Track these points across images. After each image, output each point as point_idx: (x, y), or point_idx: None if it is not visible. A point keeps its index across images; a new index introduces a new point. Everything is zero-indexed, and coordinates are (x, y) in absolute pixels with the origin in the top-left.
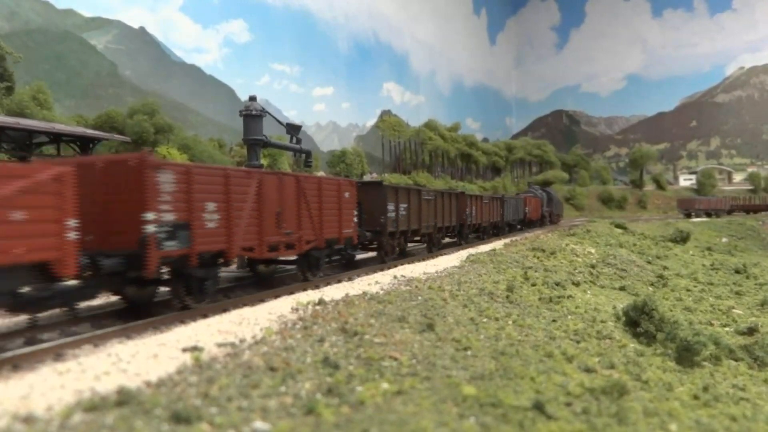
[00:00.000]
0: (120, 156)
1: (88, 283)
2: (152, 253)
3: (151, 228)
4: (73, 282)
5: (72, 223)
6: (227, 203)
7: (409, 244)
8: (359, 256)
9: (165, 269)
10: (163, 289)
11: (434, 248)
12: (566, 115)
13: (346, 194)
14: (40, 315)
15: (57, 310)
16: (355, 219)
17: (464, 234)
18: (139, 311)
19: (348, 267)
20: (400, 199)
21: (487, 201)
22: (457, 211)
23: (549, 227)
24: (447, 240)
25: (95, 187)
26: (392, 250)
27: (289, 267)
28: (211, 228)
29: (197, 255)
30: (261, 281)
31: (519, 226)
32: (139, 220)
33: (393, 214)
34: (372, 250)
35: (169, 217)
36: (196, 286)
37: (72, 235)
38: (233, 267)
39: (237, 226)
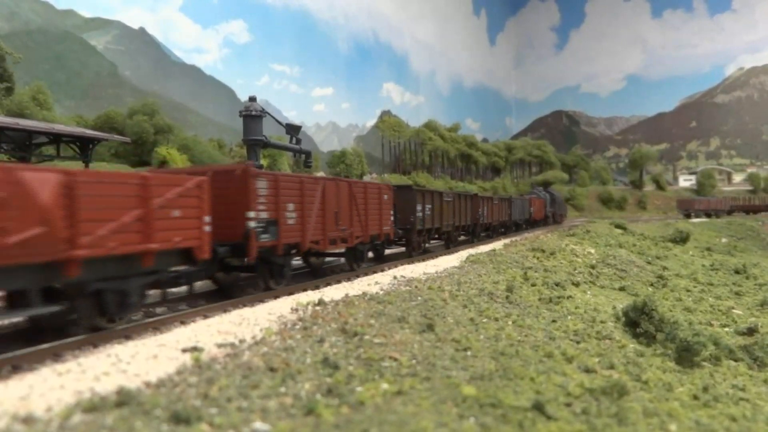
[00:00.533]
0: (228, 166)
1: (201, 267)
2: (253, 244)
3: (252, 224)
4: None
5: (207, 219)
6: (302, 204)
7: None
8: (387, 251)
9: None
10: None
11: (451, 245)
12: (566, 116)
13: (385, 197)
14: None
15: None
16: (392, 218)
17: (477, 232)
18: (228, 292)
19: (378, 260)
20: (426, 201)
21: (497, 202)
22: (471, 211)
23: (551, 227)
24: (462, 238)
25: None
26: (419, 246)
27: (330, 259)
28: (290, 224)
29: (282, 246)
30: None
31: (524, 225)
32: (244, 217)
33: (420, 214)
34: (401, 245)
35: (264, 215)
36: (278, 271)
37: (207, 228)
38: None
39: (308, 223)
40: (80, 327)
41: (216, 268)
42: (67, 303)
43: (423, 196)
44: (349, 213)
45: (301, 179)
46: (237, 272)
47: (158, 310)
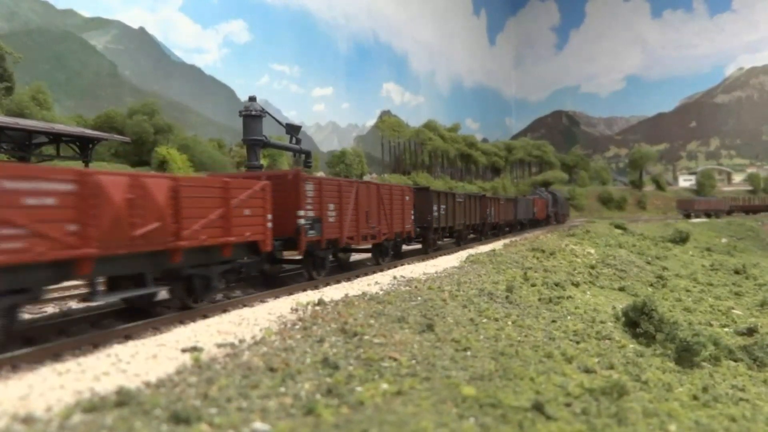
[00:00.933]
0: (281, 171)
1: (262, 259)
2: (303, 238)
3: (302, 221)
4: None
5: (269, 217)
6: (340, 204)
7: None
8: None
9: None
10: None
11: (462, 242)
12: (566, 116)
13: (407, 198)
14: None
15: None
16: (413, 217)
17: (485, 231)
18: (273, 282)
19: (397, 257)
20: (440, 201)
21: (503, 202)
22: (480, 211)
23: (552, 226)
24: (471, 236)
25: None
26: (434, 243)
27: (352, 254)
28: (331, 222)
29: (324, 241)
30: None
31: (527, 225)
32: (295, 215)
33: (436, 214)
34: (417, 242)
35: (311, 214)
36: (320, 263)
37: (269, 225)
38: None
39: (345, 221)
40: (172, 306)
41: (265, 262)
42: (167, 285)
43: (438, 197)
44: (377, 213)
45: (340, 183)
46: (282, 264)
47: (218, 296)
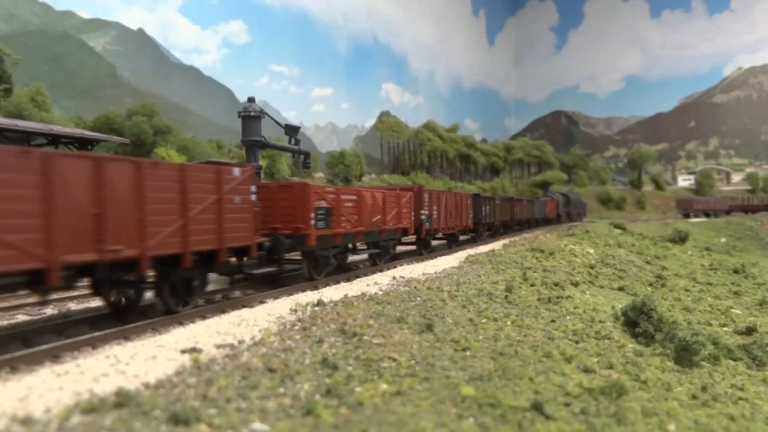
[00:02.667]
0: (409, 186)
1: (400, 240)
2: (423, 228)
3: (423, 217)
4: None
5: (412, 214)
6: (439, 206)
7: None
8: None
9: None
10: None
11: (498, 234)
12: (565, 116)
13: (468, 201)
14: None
15: None
16: (471, 215)
17: (512, 225)
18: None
19: (451, 246)
20: (486, 204)
21: (525, 203)
22: (510, 210)
23: (558, 224)
24: (501, 230)
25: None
26: (482, 234)
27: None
28: (435, 218)
29: (433, 230)
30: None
31: (541, 222)
32: (419, 213)
33: (484, 213)
34: (470, 233)
35: (425, 212)
36: (427, 244)
37: (412, 218)
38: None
39: (441, 216)
40: (367, 265)
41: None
42: (376, 251)
43: (485, 200)
44: (455, 211)
45: (439, 192)
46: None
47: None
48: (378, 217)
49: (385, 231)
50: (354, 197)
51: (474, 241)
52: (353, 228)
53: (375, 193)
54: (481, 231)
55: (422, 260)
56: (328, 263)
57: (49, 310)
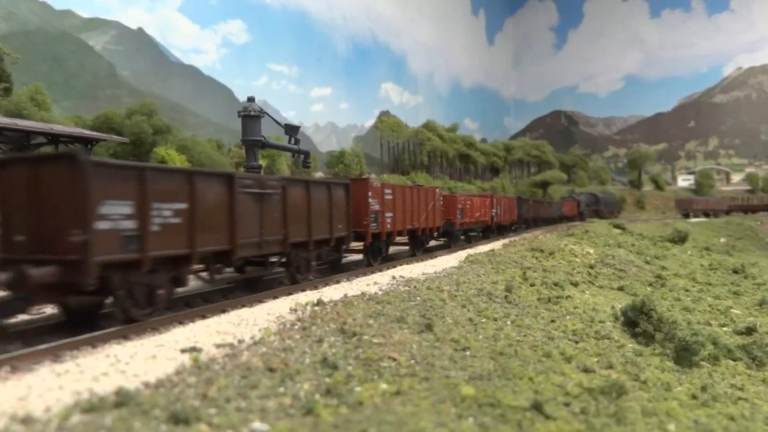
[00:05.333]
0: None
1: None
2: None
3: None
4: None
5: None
6: (498, 206)
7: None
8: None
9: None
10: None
11: (529, 228)
12: (564, 116)
13: (515, 202)
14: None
15: None
16: (516, 212)
17: (538, 221)
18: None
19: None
20: (524, 204)
21: (546, 204)
22: (537, 209)
23: (574, 223)
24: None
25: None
26: (521, 227)
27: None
28: (494, 215)
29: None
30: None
31: (559, 219)
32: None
33: (523, 210)
34: (514, 226)
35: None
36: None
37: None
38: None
39: (499, 213)
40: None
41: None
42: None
43: (523, 201)
44: (510, 209)
45: (500, 197)
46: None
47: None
48: (478, 213)
49: (480, 222)
50: (470, 202)
51: (517, 231)
52: (470, 219)
53: (475, 198)
54: (520, 223)
55: (422, 260)
56: (458, 239)
57: (49, 310)
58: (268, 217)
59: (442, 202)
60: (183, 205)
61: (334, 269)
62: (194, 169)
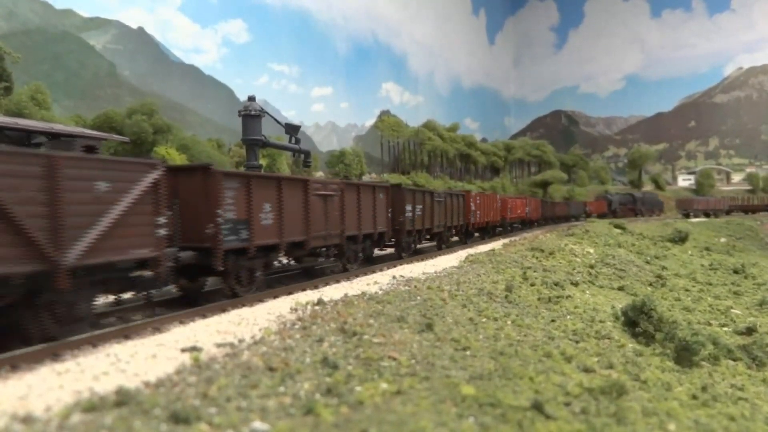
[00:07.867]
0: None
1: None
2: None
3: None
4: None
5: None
6: (525, 205)
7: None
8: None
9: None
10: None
11: (550, 222)
12: (565, 116)
13: (539, 202)
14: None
15: None
16: (541, 210)
17: (565, 219)
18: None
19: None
20: (546, 204)
21: (563, 204)
22: (563, 209)
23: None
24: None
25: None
26: (543, 222)
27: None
28: (518, 212)
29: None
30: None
31: (582, 217)
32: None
33: (546, 209)
34: (541, 221)
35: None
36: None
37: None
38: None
39: (531, 212)
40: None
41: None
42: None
43: (546, 203)
44: (536, 209)
45: (529, 198)
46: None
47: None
48: (519, 211)
49: (519, 217)
50: (515, 203)
51: (540, 226)
52: (514, 215)
53: (517, 200)
54: (546, 221)
55: (422, 260)
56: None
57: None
58: (330, 214)
59: (500, 204)
60: (275, 204)
61: (369, 261)
62: (282, 176)
